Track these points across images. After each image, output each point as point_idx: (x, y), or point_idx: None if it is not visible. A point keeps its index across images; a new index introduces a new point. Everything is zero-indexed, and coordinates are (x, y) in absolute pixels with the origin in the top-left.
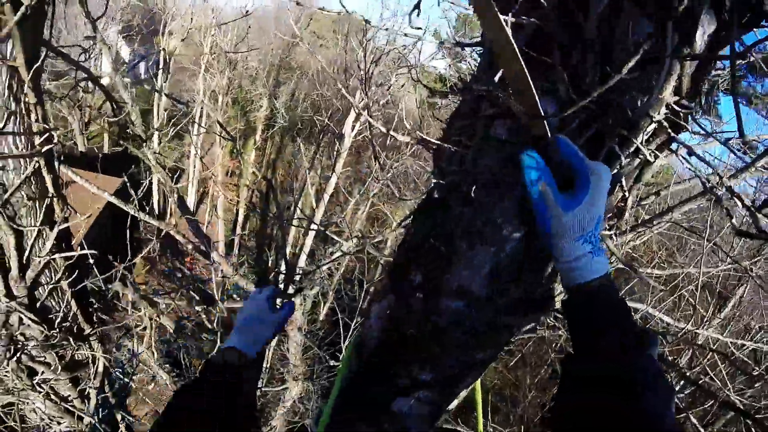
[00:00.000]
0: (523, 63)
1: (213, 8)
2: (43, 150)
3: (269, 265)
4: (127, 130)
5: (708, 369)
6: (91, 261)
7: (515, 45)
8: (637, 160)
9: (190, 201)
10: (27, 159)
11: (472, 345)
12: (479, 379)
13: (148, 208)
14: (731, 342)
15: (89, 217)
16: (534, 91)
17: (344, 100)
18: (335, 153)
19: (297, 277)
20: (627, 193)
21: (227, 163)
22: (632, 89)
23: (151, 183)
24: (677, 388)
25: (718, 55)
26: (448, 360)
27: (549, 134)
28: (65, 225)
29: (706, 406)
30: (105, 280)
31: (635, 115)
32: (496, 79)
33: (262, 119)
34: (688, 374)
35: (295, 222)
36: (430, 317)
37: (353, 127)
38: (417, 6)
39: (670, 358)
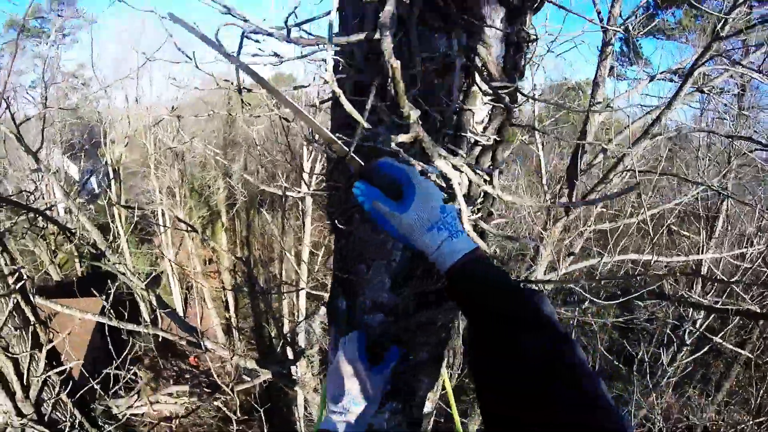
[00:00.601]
0: (313, 120)
1: (147, 107)
2: (17, 287)
3: (271, 337)
4: (99, 254)
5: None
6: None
7: (300, 108)
8: (478, 148)
9: (177, 299)
10: (6, 297)
11: (409, 347)
12: (449, 380)
13: (140, 318)
14: (731, 257)
15: (70, 334)
16: (333, 137)
17: (296, 160)
18: (301, 212)
19: (300, 342)
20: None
21: (202, 253)
22: (440, 94)
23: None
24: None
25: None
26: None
27: (363, 164)
28: (50, 345)
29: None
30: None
31: (448, 113)
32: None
33: (223, 200)
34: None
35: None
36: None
37: (309, 183)
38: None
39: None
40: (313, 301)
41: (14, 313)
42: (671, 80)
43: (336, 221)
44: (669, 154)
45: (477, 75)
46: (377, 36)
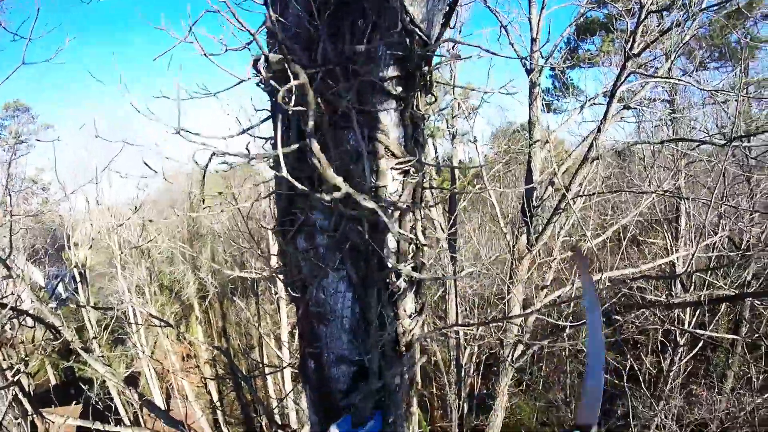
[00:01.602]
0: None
1: (109, 208)
2: (15, 379)
3: (261, 424)
4: (69, 359)
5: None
6: None
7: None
8: (397, 213)
9: (158, 399)
10: (6, 389)
11: (372, 389)
12: (421, 419)
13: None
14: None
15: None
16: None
17: (260, 245)
18: (274, 295)
19: (292, 422)
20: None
21: (179, 349)
22: (356, 177)
23: (112, 397)
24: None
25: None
26: (364, 411)
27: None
28: None
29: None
30: None
31: (365, 190)
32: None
33: (194, 294)
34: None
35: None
36: (333, 390)
37: (271, 268)
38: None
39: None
40: (298, 380)
41: (13, 404)
42: (602, 104)
43: (292, 291)
44: (619, 171)
45: (382, 157)
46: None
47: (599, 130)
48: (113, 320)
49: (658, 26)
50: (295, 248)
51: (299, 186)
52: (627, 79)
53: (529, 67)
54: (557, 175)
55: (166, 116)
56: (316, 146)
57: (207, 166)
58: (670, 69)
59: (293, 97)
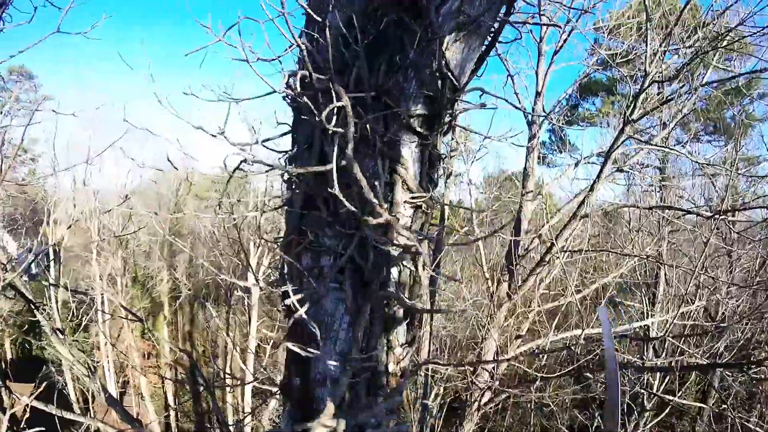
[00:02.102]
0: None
1: (94, 192)
2: None
3: None
4: (32, 334)
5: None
6: None
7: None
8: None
9: (113, 393)
10: None
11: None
12: None
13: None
14: (674, 318)
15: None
16: None
17: (242, 254)
18: (246, 307)
19: None
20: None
21: (141, 345)
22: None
23: (65, 381)
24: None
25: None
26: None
27: None
28: (13, 410)
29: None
30: None
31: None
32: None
33: (166, 293)
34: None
35: (228, 381)
36: (316, 409)
37: (257, 279)
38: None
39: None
40: (258, 396)
41: None
42: (596, 163)
43: (289, 305)
44: (604, 231)
45: (399, 189)
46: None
47: (592, 189)
48: (83, 305)
49: (657, 95)
50: (300, 265)
51: (350, 204)
52: (623, 142)
53: (530, 119)
54: (545, 227)
55: (189, 115)
56: (358, 170)
57: (234, 171)
58: (666, 138)
59: (333, 119)
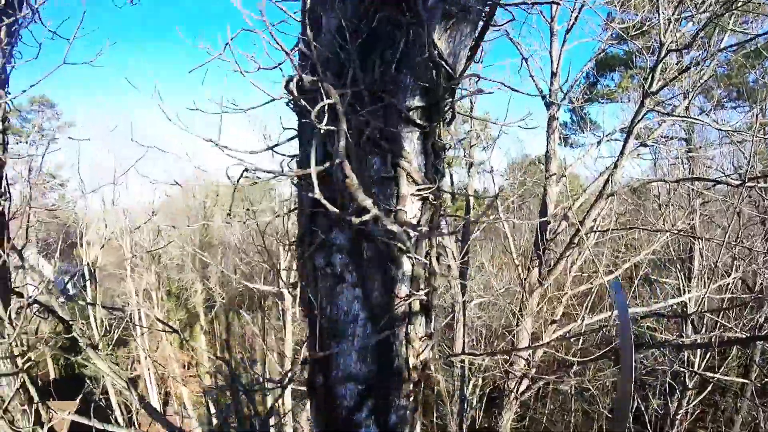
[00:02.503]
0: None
1: (124, 210)
2: (25, 367)
3: None
4: (72, 353)
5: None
6: None
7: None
8: (414, 236)
9: (155, 404)
10: (16, 375)
11: (378, 408)
12: None
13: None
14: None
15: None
16: None
17: (271, 259)
18: (281, 311)
19: None
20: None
21: (180, 357)
22: (379, 200)
23: (108, 396)
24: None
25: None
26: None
27: None
28: (51, 423)
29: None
30: None
31: (385, 213)
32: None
33: (201, 303)
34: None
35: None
36: (339, 406)
37: (286, 284)
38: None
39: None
40: (298, 399)
41: (20, 390)
42: (619, 140)
43: (306, 307)
44: (633, 208)
45: (403, 183)
46: (322, 167)
47: (616, 166)
48: (121, 321)
49: (677, 64)
50: (313, 265)
51: (330, 207)
52: (645, 116)
53: (548, 101)
54: (572, 209)
55: (195, 127)
56: (347, 166)
57: (238, 180)
58: (687, 107)
59: (324, 118)
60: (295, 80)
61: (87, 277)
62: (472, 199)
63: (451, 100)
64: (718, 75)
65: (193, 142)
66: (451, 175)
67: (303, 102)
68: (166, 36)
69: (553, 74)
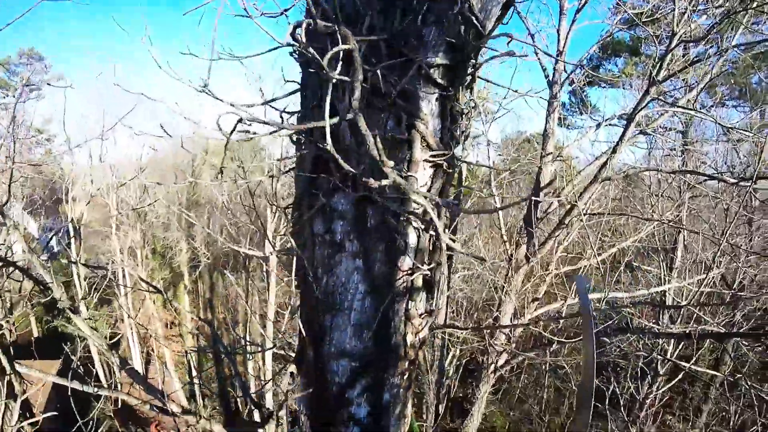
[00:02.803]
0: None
1: (111, 166)
2: None
3: (237, 401)
4: (54, 311)
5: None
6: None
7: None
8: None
9: (137, 364)
10: None
11: (372, 386)
12: (413, 420)
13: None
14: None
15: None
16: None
17: (259, 221)
18: (265, 273)
19: (268, 404)
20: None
21: (163, 316)
22: None
23: (91, 356)
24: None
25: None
26: (361, 408)
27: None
28: (24, 396)
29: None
30: None
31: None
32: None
33: (186, 262)
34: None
35: (250, 350)
36: (331, 383)
37: (273, 244)
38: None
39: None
40: (279, 361)
41: None
42: (617, 126)
43: (303, 276)
44: (623, 194)
45: (417, 147)
46: (335, 120)
47: (615, 151)
48: (104, 280)
49: (683, 57)
50: (311, 231)
51: (344, 164)
52: (647, 104)
53: (551, 79)
54: (565, 190)
55: (187, 76)
56: (362, 121)
57: (231, 132)
58: (695, 100)
59: (337, 67)
60: (304, 26)
61: (71, 234)
62: (465, 170)
63: (474, 62)
64: (723, 72)
65: (186, 94)
66: None
67: (311, 50)
68: None
69: (560, 53)
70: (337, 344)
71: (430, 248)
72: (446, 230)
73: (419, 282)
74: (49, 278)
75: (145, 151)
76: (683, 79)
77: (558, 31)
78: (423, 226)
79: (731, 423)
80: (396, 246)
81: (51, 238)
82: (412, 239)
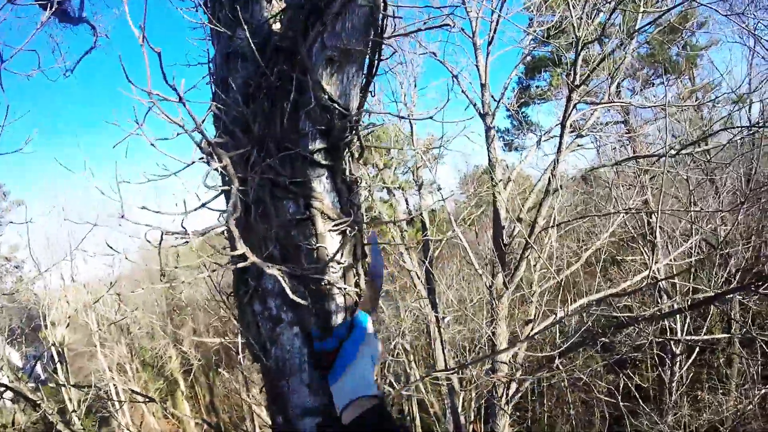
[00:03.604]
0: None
1: (84, 285)
2: None
3: None
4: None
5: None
6: None
7: None
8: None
9: None
10: None
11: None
12: None
13: None
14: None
15: None
16: None
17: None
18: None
19: None
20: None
21: (167, 427)
22: (298, 241)
23: None
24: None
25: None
26: None
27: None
28: None
29: None
30: None
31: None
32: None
33: (178, 368)
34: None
35: None
36: None
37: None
38: None
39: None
40: None
41: None
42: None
43: (255, 352)
44: (587, 197)
45: (319, 222)
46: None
47: (556, 162)
48: (95, 399)
49: (600, 54)
50: (252, 312)
51: (252, 257)
52: (575, 109)
53: (482, 112)
54: (523, 210)
55: (134, 196)
56: (232, 224)
57: (160, 244)
58: (618, 92)
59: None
60: (203, 142)
61: (56, 358)
62: (426, 219)
63: (349, 136)
64: (642, 55)
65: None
66: (406, 200)
67: (213, 161)
68: (92, 109)
69: (483, 86)
70: (299, 405)
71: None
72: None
73: None
74: (38, 398)
75: (117, 266)
76: (607, 74)
77: (477, 66)
78: (345, 287)
79: (754, 378)
80: (326, 309)
81: (35, 364)
82: (340, 300)
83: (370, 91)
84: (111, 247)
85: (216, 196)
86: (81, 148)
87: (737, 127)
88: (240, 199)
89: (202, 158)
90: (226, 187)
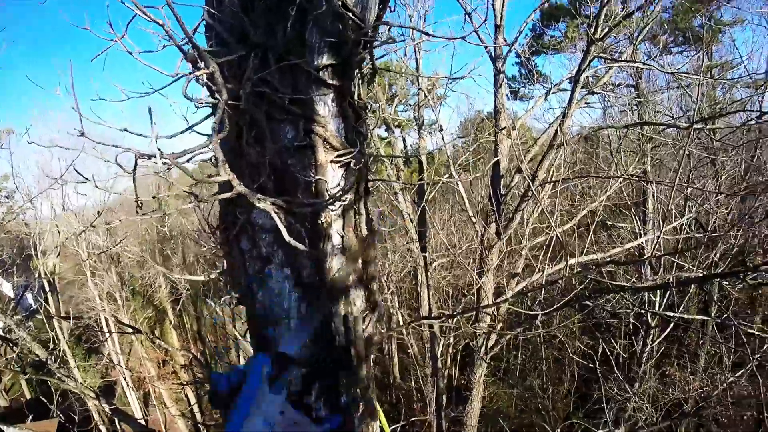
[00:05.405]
0: None
1: (76, 213)
2: None
3: None
4: (43, 370)
5: None
6: None
7: None
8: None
9: (136, 408)
10: None
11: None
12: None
13: None
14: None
15: None
16: None
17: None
18: None
19: None
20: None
21: (154, 355)
22: (295, 171)
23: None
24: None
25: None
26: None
27: None
28: None
29: None
30: None
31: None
32: None
33: (167, 297)
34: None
35: None
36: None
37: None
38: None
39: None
40: None
41: None
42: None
43: (239, 294)
44: (586, 156)
45: (320, 150)
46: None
47: (564, 116)
48: (85, 329)
49: (622, 11)
50: (240, 249)
51: (242, 189)
52: (591, 63)
53: (493, 55)
54: (524, 162)
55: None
56: (216, 143)
57: (134, 169)
58: (634, 53)
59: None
60: (191, 49)
61: (47, 288)
62: (424, 160)
63: (362, 54)
64: (664, 20)
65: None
66: (404, 139)
67: (204, 77)
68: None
69: (497, 27)
70: (284, 352)
71: (358, 246)
72: (374, 223)
73: (351, 281)
74: (25, 334)
75: (108, 194)
76: (625, 34)
77: (493, 5)
78: (345, 226)
79: (724, 363)
80: (321, 249)
81: (22, 295)
82: (336, 240)
83: (389, 5)
84: (79, 173)
85: (206, 117)
86: (55, 63)
87: (754, 111)
88: (230, 118)
89: (192, 72)
90: (213, 100)
